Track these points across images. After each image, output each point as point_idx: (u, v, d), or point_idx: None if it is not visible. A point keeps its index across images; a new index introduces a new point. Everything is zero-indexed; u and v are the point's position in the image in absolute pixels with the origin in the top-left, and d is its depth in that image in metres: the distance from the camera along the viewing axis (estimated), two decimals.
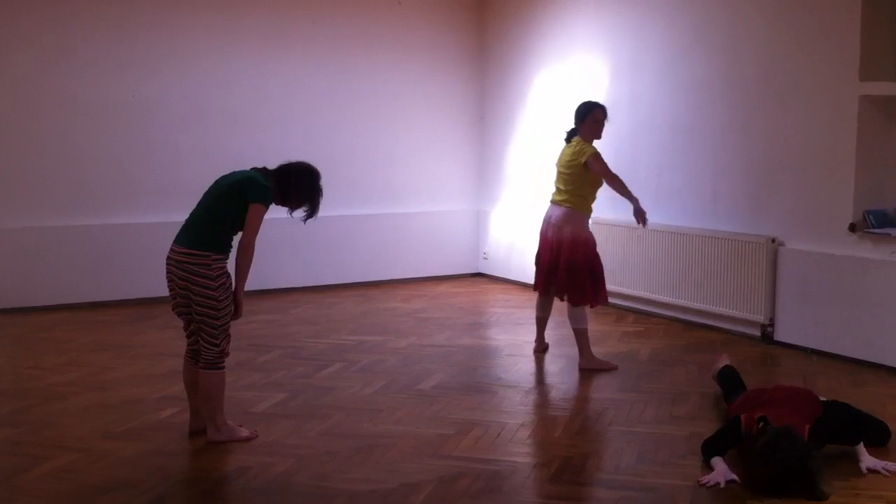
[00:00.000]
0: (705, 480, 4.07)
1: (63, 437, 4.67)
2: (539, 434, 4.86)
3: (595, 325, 6.75)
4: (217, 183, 4.69)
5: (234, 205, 4.53)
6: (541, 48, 9.08)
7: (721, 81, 7.21)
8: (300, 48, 8.94)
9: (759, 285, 6.83)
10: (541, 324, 6.54)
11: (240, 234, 4.58)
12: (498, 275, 9.75)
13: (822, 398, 4.53)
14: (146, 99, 8.27)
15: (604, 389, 5.71)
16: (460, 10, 9.78)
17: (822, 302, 6.45)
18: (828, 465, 4.09)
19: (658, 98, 7.72)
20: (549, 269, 6.18)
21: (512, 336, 7.11)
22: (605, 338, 6.94)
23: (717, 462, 4.20)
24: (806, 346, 6.57)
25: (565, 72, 8.75)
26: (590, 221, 6.26)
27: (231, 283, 4.55)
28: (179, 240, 4.55)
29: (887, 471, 4.09)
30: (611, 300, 6.36)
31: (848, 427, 4.37)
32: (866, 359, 6.16)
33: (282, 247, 8.38)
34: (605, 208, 7.19)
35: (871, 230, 6.18)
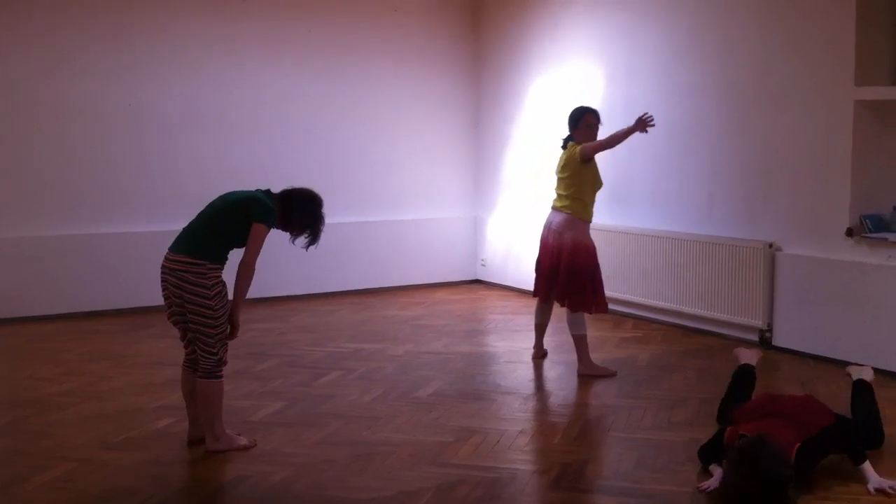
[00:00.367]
0: (704, 486, 4.07)
1: (61, 447, 4.66)
2: (538, 441, 4.86)
3: (593, 330, 6.75)
4: (222, 197, 4.70)
5: (235, 220, 4.53)
6: (536, 54, 9.09)
7: (717, 86, 7.23)
8: (297, 56, 8.95)
9: (756, 290, 6.84)
10: (539, 330, 6.53)
11: (234, 250, 4.58)
12: (496, 281, 9.75)
13: (835, 413, 4.37)
14: (144, 107, 8.28)
15: (602, 395, 5.71)
16: (456, 17, 9.80)
17: (820, 306, 6.46)
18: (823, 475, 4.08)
19: (654, 103, 7.70)
20: (549, 275, 6.18)
21: (510, 343, 7.10)
22: (604, 344, 6.94)
23: (716, 468, 4.19)
24: (804, 350, 6.57)
25: (561, 78, 8.76)
26: (589, 227, 6.26)
27: (226, 292, 4.54)
28: (175, 248, 4.55)
29: (894, 490, 4.02)
30: (609, 305, 6.34)
31: (839, 441, 4.23)
32: (864, 363, 6.14)
33: (280, 255, 8.29)
34: (603, 214, 7.20)
35: (868, 234, 6.19)
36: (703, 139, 7.36)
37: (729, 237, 7.10)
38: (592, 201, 6.22)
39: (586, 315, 6.14)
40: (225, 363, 4.58)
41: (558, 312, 6.43)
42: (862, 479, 4.12)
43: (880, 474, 4.12)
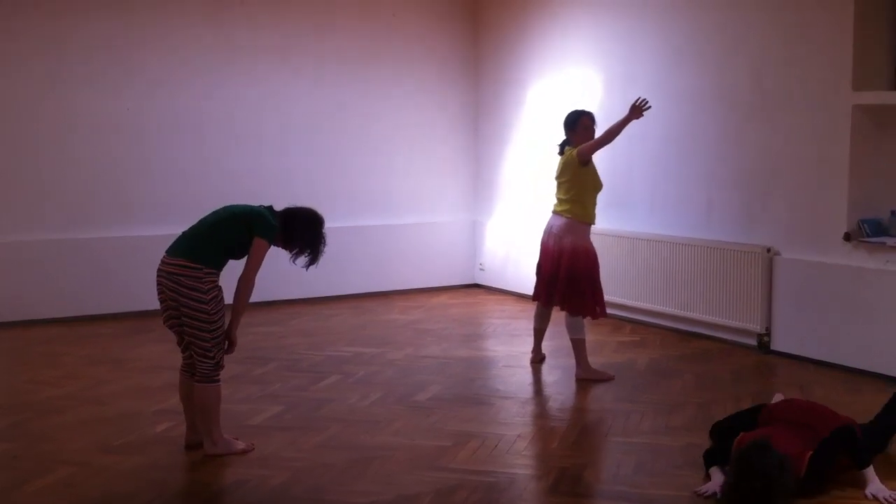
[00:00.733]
0: (702, 490, 4.08)
1: (60, 451, 4.67)
2: (536, 445, 4.86)
3: (591, 335, 6.76)
4: (226, 208, 4.71)
5: (237, 231, 4.54)
6: (535, 60, 9.11)
7: (715, 92, 7.24)
8: (297, 62, 8.97)
9: (754, 295, 6.84)
10: (538, 335, 6.54)
11: (232, 263, 4.61)
12: (494, 286, 9.76)
13: (842, 418, 4.35)
14: (143, 113, 8.30)
15: (601, 400, 5.71)
16: (455, 23, 9.82)
17: (818, 311, 6.47)
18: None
19: (652, 109, 7.68)
20: (550, 279, 6.19)
21: (509, 347, 7.11)
22: (602, 348, 6.95)
23: (715, 472, 4.20)
24: (802, 355, 6.58)
25: (559, 84, 8.78)
26: (590, 231, 6.26)
27: (223, 297, 4.55)
28: (173, 251, 4.55)
29: (887, 500, 3.99)
30: (607, 310, 6.36)
31: (848, 444, 4.18)
32: (862, 367, 6.18)
33: (279, 259, 8.32)
34: (602, 219, 7.18)
35: (866, 239, 6.20)
36: (702, 144, 7.37)
37: (727, 242, 7.11)
38: (593, 203, 6.23)
39: (585, 319, 6.16)
40: (222, 367, 4.59)
41: (557, 317, 6.44)
42: (861, 483, 4.11)
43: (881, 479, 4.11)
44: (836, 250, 6.37)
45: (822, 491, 4.10)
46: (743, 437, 4.16)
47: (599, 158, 6.28)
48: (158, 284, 4.54)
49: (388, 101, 9.46)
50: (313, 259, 4.73)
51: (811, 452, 4.06)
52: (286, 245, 4.70)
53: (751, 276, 6.87)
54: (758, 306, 6.82)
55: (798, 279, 6.61)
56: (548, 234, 6.26)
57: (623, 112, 6.07)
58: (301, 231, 4.68)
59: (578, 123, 6.18)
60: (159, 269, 4.54)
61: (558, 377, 6.24)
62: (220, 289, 4.53)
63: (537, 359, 6.55)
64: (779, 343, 6.77)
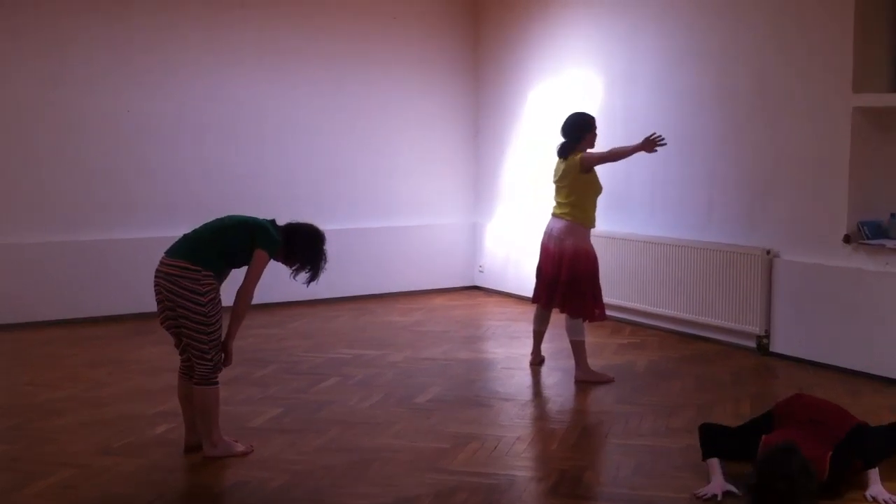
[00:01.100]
0: (702, 493, 4.07)
1: (60, 453, 4.67)
2: (536, 447, 4.86)
3: (591, 337, 6.76)
4: (231, 216, 4.74)
5: (239, 240, 4.56)
6: (535, 62, 9.12)
7: (715, 93, 7.25)
8: (298, 65, 8.98)
9: (754, 297, 6.85)
10: (538, 337, 6.54)
11: (226, 271, 4.63)
12: (494, 287, 9.77)
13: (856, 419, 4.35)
14: (144, 115, 8.31)
15: (600, 402, 5.72)
16: (455, 25, 9.83)
17: (818, 313, 6.47)
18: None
19: (652, 111, 7.75)
20: (550, 282, 6.19)
21: (508, 349, 7.11)
22: (602, 350, 6.95)
23: (714, 468, 4.18)
24: (802, 357, 6.58)
25: (560, 85, 8.78)
26: (590, 234, 6.27)
27: (220, 300, 4.55)
28: (173, 252, 4.55)
29: (886, 503, 3.99)
30: (607, 312, 6.36)
31: (860, 444, 4.16)
32: (862, 370, 6.18)
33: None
34: (602, 221, 7.18)
35: (866, 241, 6.20)
36: (702, 146, 7.37)
37: (727, 244, 7.11)
38: (594, 207, 6.23)
39: (585, 322, 6.16)
40: (220, 369, 4.58)
41: (556, 319, 6.44)
42: (863, 484, 4.10)
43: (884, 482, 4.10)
44: (836, 252, 6.37)
45: (838, 495, 4.09)
46: (767, 440, 4.13)
47: None
48: (156, 285, 4.54)
49: (388, 103, 9.47)
50: (314, 276, 4.74)
51: (831, 453, 4.04)
52: (287, 260, 4.72)
53: (750, 278, 6.87)
54: (757, 308, 6.83)
55: (798, 281, 6.61)
56: (548, 236, 6.26)
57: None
58: (302, 247, 4.69)
59: (591, 129, 6.16)
60: (158, 270, 4.54)
61: (558, 379, 6.24)
62: (217, 292, 4.53)
63: (537, 361, 6.55)
64: (778, 345, 6.77)
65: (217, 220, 4.71)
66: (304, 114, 9.04)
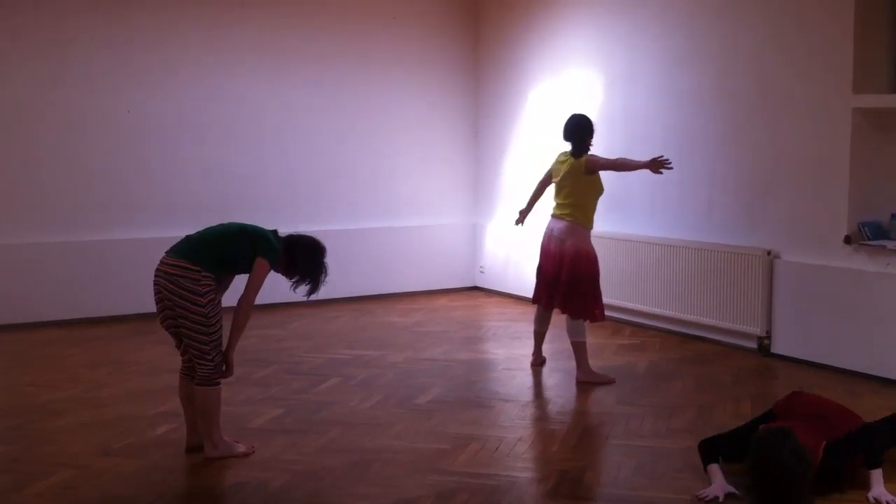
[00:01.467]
0: (703, 494, 4.07)
1: (61, 454, 4.67)
2: (537, 448, 4.86)
3: (592, 337, 6.76)
4: (234, 223, 4.75)
5: (241, 247, 4.57)
6: (535, 62, 9.12)
7: (715, 94, 7.25)
8: (296, 65, 8.98)
9: (755, 298, 6.85)
10: (538, 337, 6.54)
11: (226, 277, 4.64)
12: (494, 288, 9.77)
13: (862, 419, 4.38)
14: (144, 115, 8.31)
15: (601, 403, 5.71)
16: (455, 26, 9.83)
17: (819, 314, 6.47)
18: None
19: (652, 111, 7.75)
20: (551, 282, 6.19)
21: (509, 350, 7.11)
22: (602, 350, 6.95)
23: (715, 472, 4.18)
24: (802, 357, 6.58)
25: (560, 86, 8.78)
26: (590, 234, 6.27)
27: (220, 301, 4.55)
28: (175, 252, 4.55)
29: None
30: (607, 313, 6.37)
31: (864, 443, 4.18)
32: (863, 370, 6.18)
33: None
34: (602, 221, 7.18)
35: (866, 242, 6.20)
36: (702, 146, 7.37)
37: (728, 244, 7.11)
38: (594, 208, 6.23)
39: (585, 322, 6.16)
40: (221, 370, 4.58)
41: (557, 320, 6.44)
42: (865, 485, 4.09)
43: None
44: (837, 253, 6.37)
45: (837, 488, 4.11)
46: (764, 427, 4.15)
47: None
48: (155, 284, 4.54)
49: (388, 103, 9.47)
50: (313, 288, 4.74)
51: (826, 442, 4.06)
52: (287, 272, 4.72)
53: (751, 279, 6.87)
54: (758, 309, 6.82)
55: (798, 282, 6.61)
56: (548, 237, 6.26)
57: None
58: (303, 259, 4.69)
59: (593, 130, 6.19)
60: (158, 270, 4.54)
61: (559, 380, 6.24)
62: (216, 293, 4.53)
63: (538, 362, 6.55)
64: (779, 346, 6.77)
65: (220, 224, 4.73)
66: (304, 114, 9.04)
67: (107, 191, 8.21)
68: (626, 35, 8.09)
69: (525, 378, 6.31)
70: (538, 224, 6.49)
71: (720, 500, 4.03)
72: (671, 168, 5.97)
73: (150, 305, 4.63)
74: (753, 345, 6.92)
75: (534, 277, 6.44)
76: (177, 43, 8.42)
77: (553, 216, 6.26)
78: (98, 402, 5.63)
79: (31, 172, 7.94)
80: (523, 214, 6.66)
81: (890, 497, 3.99)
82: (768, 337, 6.83)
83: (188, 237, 4.65)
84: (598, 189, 6.21)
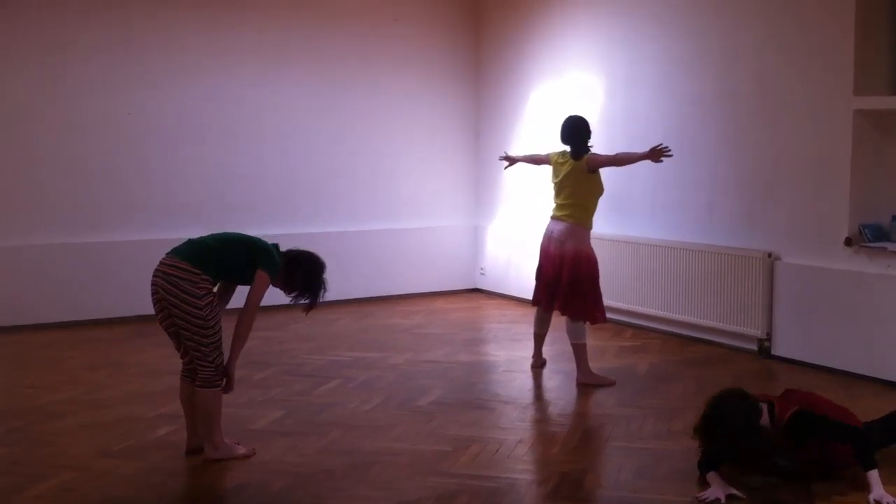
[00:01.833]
0: (704, 496, 4.07)
1: (60, 456, 4.66)
2: (537, 450, 4.86)
3: (592, 340, 6.75)
4: (236, 233, 4.77)
5: (243, 256, 4.58)
6: (536, 64, 9.12)
7: (716, 96, 7.25)
8: (299, 67, 8.98)
9: (755, 300, 6.84)
10: (539, 339, 6.54)
11: (220, 283, 4.65)
12: (495, 290, 9.76)
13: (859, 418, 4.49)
14: (144, 117, 8.31)
15: (602, 405, 5.71)
16: (456, 27, 9.83)
17: (819, 316, 6.46)
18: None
19: (653, 113, 7.75)
20: (550, 284, 6.18)
21: (509, 352, 7.11)
22: (603, 353, 6.94)
23: (714, 477, 4.19)
24: (803, 359, 6.57)
25: (561, 87, 8.78)
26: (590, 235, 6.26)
27: (217, 303, 4.56)
28: (176, 253, 4.56)
29: None
30: (608, 315, 6.37)
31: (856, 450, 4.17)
32: (863, 372, 6.17)
33: None
34: (603, 223, 7.19)
35: (867, 244, 6.20)
36: (703, 148, 7.37)
37: (728, 246, 7.11)
38: (595, 208, 6.23)
39: (586, 324, 6.15)
40: (223, 372, 4.58)
41: (557, 322, 6.44)
42: (864, 487, 4.08)
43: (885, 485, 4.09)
44: (837, 255, 6.37)
45: (837, 491, 4.11)
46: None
47: None
48: (153, 285, 4.53)
49: (389, 105, 9.47)
50: (312, 304, 4.75)
51: (798, 408, 4.20)
52: (286, 287, 4.72)
53: (751, 281, 6.86)
54: (758, 311, 6.82)
55: (799, 284, 6.61)
56: (548, 238, 6.26)
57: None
58: (302, 275, 4.70)
59: (590, 131, 6.19)
60: (157, 270, 4.54)
61: (559, 382, 6.24)
62: (214, 296, 4.54)
63: (538, 363, 6.55)
64: (779, 348, 6.76)
65: (224, 233, 4.76)
66: (305, 115, 9.04)
67: (107, 191, 8.21)
68: (626, 37, 8.09)
69: (525, 380, 6.31)
70: (539, 226, 6.48)
71: (721, 501, 4.03)
72: (671, 155, 5.94)
73: (150, 307, 4.63)
74: (754, 347, 6.92)
75: (534, 279, 6.43)
76: (177, 44, 8.42)
77: (553, 217, 6.26)
78: (98, 403, 5.63)
79: (31, 173, 7.94)
80: (510, 160, 6.85)
81: (890, 499, 3.98)
82: (769, 339, 6.82)
83: (191, 240, 4.65)
84: (599, 189, 6.21)
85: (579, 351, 6.15)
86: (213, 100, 8.59)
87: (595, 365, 6.31)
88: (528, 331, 6.84)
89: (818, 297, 6.47)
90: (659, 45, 7.76)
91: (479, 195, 10.05)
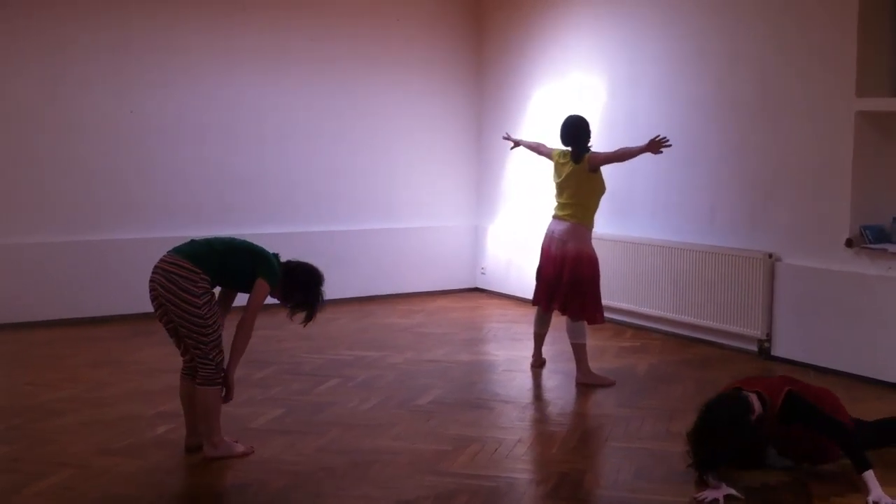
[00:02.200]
0: (702, 497, 4.07)
1: (61, 454, 4.66)
2: (536, 450, 4.86)
3: (592, 340, 6.75)
4: (240, 239, 4.77)
5: (244, 262, 4.59)
6: (538, 65, 9.12)
7: (718, 97, 7.24)
8: (300, 66, 8.98)
9: (756, 301, 6.84)
10: (539, 339, 6.54)
11: (220, 291, 4.66)
12: (495, 290, 9.76)
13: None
14: (145, 116, 8.31)
15: (601, 405, 5.71)
16: (458, 28, 9.83)
17: (820, 317, 6.46)
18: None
19: (655, 114, 7.74)
20: (551, 284, 6.18)
21: (509, 351, 7.11)
22: (603, 353, 6.94)
23: (712, 478, 4.18)
24: (803, 361, 6.57)
25: (563, 88, 8.78)
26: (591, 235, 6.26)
27: (216, 302, 4.56)
28: (178, 251, 4.57)
29: None
30: (608, 315, 6.37)
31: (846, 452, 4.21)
32: (864, 374, 6.17)
33: None
34: (604, 224, 7.20)
35: (868, 245, 6.19)
36: (705, 149, 7.37)
37: (729, 247, 7.11)
38: (596, 207, 6.23)
39: (586, 324, 6.15)
40: (223, 370, 4.59)
41: (557, 322, 6.44)
42: (862, 489, 4.08)
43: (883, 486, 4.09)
44: (838, 256, 6.37)
45: (836, 492, 4.11)
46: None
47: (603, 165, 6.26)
48: (151, 282, 4.53)
49: (390, 105, 9.47)
50: (309, 317, 4.75)
51: (789, 389, 4.25)
52: (283, 298, 4.72)
53: (752, 282, 6.86)
54: (759, 312, 6.82)
55: (799, 285, 6.60)
56: (549, 238, 6.26)
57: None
58: (300, 287, 4.71)
59: (590, 131, 6.20)
60: (156, 267, 4.54)
61: (559, 382, 6.24)
62: (213, 295, 4.55)
63: (538, 363, 6.55)
64: (780, 349, 6.76)
65: (227, 237, 4.78)
66: (306, 115, 9.04)
67: (107, 191, 8.21)
68: (628, 38, 8.09)
69: (525, 380, 6.31)
70: (540, 226, 6.48)
71: (720, 502, 4.03)
72: (670, 146, 5.92)
73: (149, 306, 4.63)
74: (754, 348, 6.92)
75: (534, 279, 6.43)
76: (177, 44, 8.42)
77: (554, 217, 6.26)
78: (98, 402, 5.63)
79: (31, 172, 7.94)
80: (515, 141, 6.99)
81: (889, 500, 3.98)
82: (769, 340, 6.82)
83: (193, 241, 4.66)
84: (601, 188, 6.20)
85: (579, 351, 6.15)
86: (213, 100, 8.59)
87: (595, 365, 6.30)
88: (529, 330, 6.84)
89: (819, 299, 6.47)
90: (661, 45, 7.76)
91: (481, 195, 10.05)
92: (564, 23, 8.79)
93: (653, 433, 5.05)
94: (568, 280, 6.07)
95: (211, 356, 4.49)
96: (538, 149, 6.67)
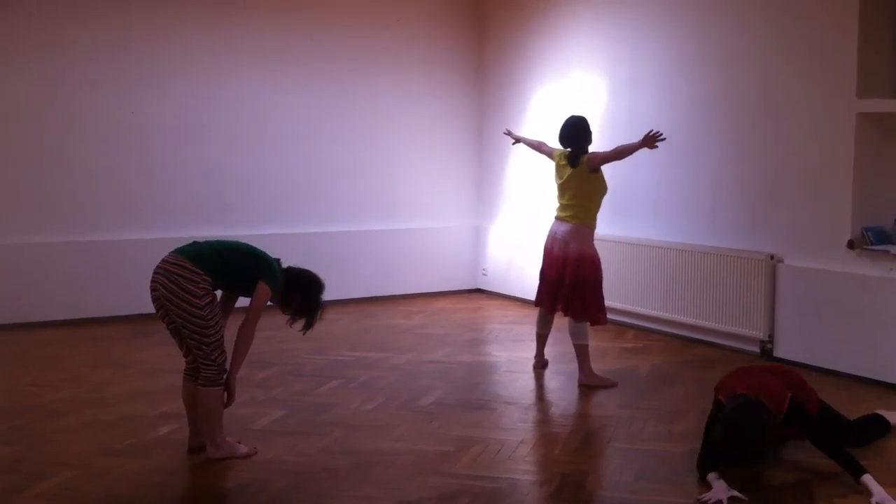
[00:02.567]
0: (706, 498, 4.06)
1: (62, 454, 4.66)
2: (538, 451, 4.85)
3: (594, 341, 6.74)
4: (243, 242, 4.77)
5: (246, 265, 4.59)
6: (539, 65, 9.11)
7: (719, 98, 7.24)
8: (301, 67, 8.98)
9: (758, 302, 6.84)
10: (541, 340, 6.53)
11: (222, 294, 4.66)
12: (497, 291, 9.76)
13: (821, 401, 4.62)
14: (145, 117, 8.30)
15: (603, 406, 5.71)
16: (459, 28, 9.83)
17: (821, 318, 6.46)
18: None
19: (657, 115, 7.74)
20: (553, 285, 6.18)
21: (511, 352, 7.10)
22: (605, 354, 6.94)
23: (715, 479, 4.18)
24: (805, 362, 6.56)
25: (564, 89, 8.78)
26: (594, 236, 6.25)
27: (217, 304, 4.56)
28: (181, 251, 4.57)
29: None
30: (610, 316, 6.37)
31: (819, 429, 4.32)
32: (865, 375, 6.17)
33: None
34: (605, 225, 7.19)
35: (870, 247, 6.19)
36: (706, 150, 7.37)
37: (731, 248, 7.10)
38: (598, 207, 6.22)
39: (588, 325, 6.15)
40: (226, 370, 4.59)
41: (559, 323, 6.43)
42: (865, 492, 4.07)
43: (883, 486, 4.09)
44: (840, 258, 6.36)
45: (837, 493, 4.10)
46: (730, 394, 4.35)
47: (604, 165, 6.26)
48: (153, 282, 4.52)
49: (391, 105, 9.47)
50: (309, 324, 4.75)
51: (791, 394, 4.28)
52: (283, 305, 4.72)
53: (754, 283, 6.86)
54: (761, 313, 6.82)
55: (801, 286, 6.60)
56: (552, 239, 6.25)
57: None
58: (301, 294, 4.71)
59: (590, 131, 6.20)
60: (157, 267, 4.53)
61: (561, 383, 6.23)
62: (214, 296, 4.54)
63: (540, 364, 6.54)
64: (781, 350, 6.76)
65: (231, 240, 4.78)
66: (306, 115, 9.03)
67: (107, 191, 8.20)
68: (629, 39, 8.09)
69: (527, 381, 6.31)
70: (541, 227, 6.47)
71: (723, 503, 4.02)
72: (664, 139, 5.91)
73: (151, 306, 4.62)
74: (756, 349, 6.92)
75: (536, 280, 6.43)
76: (177, 44, 8.41)
77: (557, 218, 6.25)
78: (100, 402, 5.63)
79: (31, 172, 7.93)
80: (515, 138, 6.96)
81: (893, 502, 3.97)
82: (771, 341, 6.82)
83: (196, 242, 4.66)
84: (603, 188, 6.20)
85: (581, 352, 6.15)
86: (213, 100, 8.59)
87: (597, 366, 6.30)
88: (531, 331, 6.83)
89: (820, 300, 6.47)
90: (662, 46, 7.76)
91: (482, 196, 10.05)
92: (565, 23, 8.79)
93: (655, 434, 5.05)
94: (570, 281, 6.07)
95: (213, 357, 4.49)
96: (540, 147, 6.66)
